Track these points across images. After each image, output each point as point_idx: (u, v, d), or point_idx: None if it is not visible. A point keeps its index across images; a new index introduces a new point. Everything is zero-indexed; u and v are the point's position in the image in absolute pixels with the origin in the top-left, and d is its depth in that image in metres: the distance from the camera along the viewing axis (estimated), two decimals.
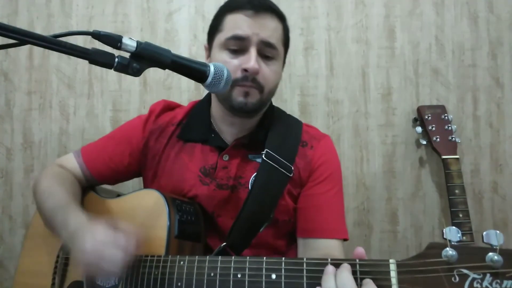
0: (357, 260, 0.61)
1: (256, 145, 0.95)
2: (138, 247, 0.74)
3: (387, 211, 1.39)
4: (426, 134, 1.32)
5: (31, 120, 1.44)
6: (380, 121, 1.41)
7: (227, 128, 0.97)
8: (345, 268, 0.60)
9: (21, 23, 1.44)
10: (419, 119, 1.36)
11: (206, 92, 1.06)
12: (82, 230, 0.75)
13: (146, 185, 1.02)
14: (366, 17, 1.42)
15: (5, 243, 1.41)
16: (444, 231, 0.57)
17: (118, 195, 0.98)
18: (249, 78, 0.86)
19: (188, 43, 1.43)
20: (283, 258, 0.67)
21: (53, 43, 0.63)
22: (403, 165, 1.40)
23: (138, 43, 0.68)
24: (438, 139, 1.29)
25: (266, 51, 0.89)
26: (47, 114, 1.44)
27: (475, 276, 0.54)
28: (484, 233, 0.56)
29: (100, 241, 0.71)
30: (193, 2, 1.44)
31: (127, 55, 0.69)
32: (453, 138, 1.29)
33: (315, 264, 0.64)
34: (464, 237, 1.17)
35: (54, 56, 1.44)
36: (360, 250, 0.63)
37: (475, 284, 0.54)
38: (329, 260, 0.63)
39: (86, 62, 0.66)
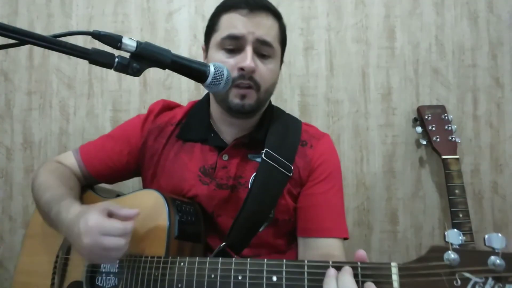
0: (359, 263, 0.61)
1: (255, 145, 0.95)
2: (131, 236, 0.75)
3: (387, 211, 1.39)
4: (426, 134, 1.32)
5: (31, 120, 1.44)
6: (380, 121, 1.41)
7: (227, 128, 0.97)
8: (347, 271, 0.60)
9: (21, 23, 1.44)
10: (419, 119, 1.36)
11: (206, 92, 1.06)
12: (77, 220, 0.75)
13: (145, 185, 1.02)
14: (366, 17, 1.42)
15: (5, 243, 1.41)
16: (445, 234, 0.57)
17: (118, 195, 0.99)
18: (246, 77, 0.86)
19: (188, 43, 1.43)
20: (284, 260, 0.66)
21: (53, 43, 0.63)
22: (403, 165, 1.40)
23: (138, 43, 0.68)
24: (438, 139, 1.29)
25: (262, 50, 0.88)
26: (47, 114, 1.44)
27: (477, 279, 0.54)
28: (486, 236, 0.55)
29: (97, 232, 0.71)
30: (193, 2, 1.44)
31: (127, 55, 0.69)
32: (453, 138, 1.29)
33: (316, 266, 0.64)
34: (464, 237, 1.17)
35: (54, 56, 1.44)
36: (361, 253, 0.63)
37: None
38: (331, 262, 0.63)
39: (86, 62, 0.66)
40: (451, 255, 0.55)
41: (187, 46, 1.43)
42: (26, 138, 1.44)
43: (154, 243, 0.80)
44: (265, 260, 0.68)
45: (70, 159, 1.01)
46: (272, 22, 0.91)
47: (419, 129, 1.34)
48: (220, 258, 0.72)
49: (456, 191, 1.22)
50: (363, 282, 0.60)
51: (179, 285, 0.73)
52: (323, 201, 0.93)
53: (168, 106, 1.05)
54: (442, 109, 1.34)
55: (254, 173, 0.92)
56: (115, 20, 1.44)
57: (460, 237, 0.57)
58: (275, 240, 0.95)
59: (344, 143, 1.40)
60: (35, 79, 1.44)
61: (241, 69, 0.85)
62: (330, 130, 1.40)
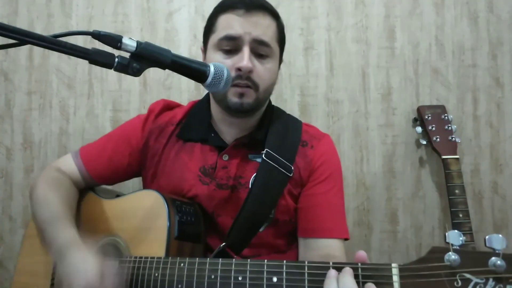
0: (359, 264, 0.61)
1: (256, 145, 0.95)
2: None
3: (387, 211, 1.39)
4: (426, 134, 1.32)
5: (31, 120, 1.44)
6: (380, 121, 1.41)
7: (227, 128, 0.97)
8: (347, 272, 0.60)
9: (21, 23, 1.44)
10: (419, 119, 1.36)
11: (206, 92, 1.06)
12: (71, 255, 0.73)
13: (145, 185, 1.02)
14: (366, 17, 1.42)
15: (5, 243, 1.41)
16: (446, 235, 0.57)
17: (118, 196, 0.98)
18: (243, 77, 0.86)
19: (188, 43, 1.43)
20: (285, 261, 0.66)
21: (53, 43, 0.63)
22: (403, 165, 1.40)
23: (138, 43, 0.68)
24: (438, 139, 1.29)
25: (259, 50, 0.88)
26: (47, 114, 1.44)
27: (478, 280, 0.54)
28: (487, 237, 0.55)
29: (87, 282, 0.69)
30: (193, 2, 1.44)
31: (127, 55, 0.69)
32: (453, 138, 1.29)
33: (316, 267, 0.64)
34: (464, 237, 1.17)
35: (54, 56, 1.44)
36: (361, 254, 0.63)
37: None
38: (331, 263, 0.63)
39: (86, 62, 0.66)
40: (452, 256, 0.55)
41: (187, 46, 1.43)
42: (26, 138, 1.44)
43: (154, 244, 0.80)
44: (265, 260, 0.68)
45: (70, 165, 0.99)
46: (269, 21, 0.90)
47: (419, 129, 1.34)
48: (220, 259, 0.72)
49: (456, 191, 1.22)
50: (363, 283, 0.60)
51: (179, 286, 0.73)
52: (323, 202, 0.93)
53: (168, 106, 1.05)
54: (442, 109, 1.34)
55: (255, 173, 0.92)
56: (115, 20, 1.44)
57: (461, 238, 0.57)
58: (275, 240, 0.95)
59: (344, 143, 1.40)
60: (35, 79, 1.44)
61: (238, 69, 0.85)
62: (330, 130, 1.40)
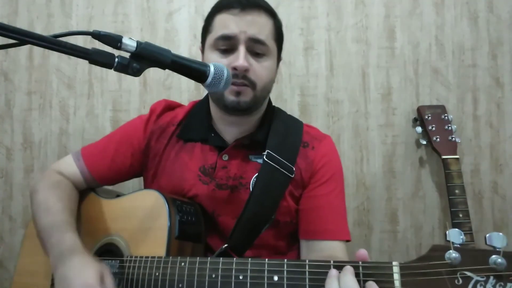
0: (360, 262, 0.61)
1: (256, 146, 0.95)
2: None
3: (387, 211, 1.39)
4: (426, 134, 1.32)
5: (31, 120, 1.44)
6: (380, 121, 1.41)
7: (227, 128, 0.97)
8: (348, 271, 0.60)
9: (21, 23, 1.44)
10: (419, 119, 1.36)
11: (206, 92, 1.06)
12: (72, 262, 0.73)
13: (146, 185, 1.02)
14: (366, 17, 1.42)
15: (5, 243, 1.41)
16: (447, 233, 0.57)
17: (118, 196, 0.98)
18: (240, 76, 0.86)
19: (188, 43, 1.43)
20: (285, 260, 0.66)
21: (53, 43, 0.63)
22: (403, 165, 1.40)
23: (138, 43, 0.68)
24: (438, 139, 1.29)
25: (256, 48, 0.88)
26: (47, 114, 1.44)
27: (479, 278, 0.54)
28: (487, 235, 0.55)
29: None
30: (193, 2, 1.44)
31: (127, 55, 0.68)
32: (453, 138, 1.29)
33: (317, 266, 0.64)
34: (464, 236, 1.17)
35: (54, 56, 1.44)
36: (362, 252, 0.63)
37: (478, 287, 0.54)
38: (332, 262, 0.63)
39: (86, 62, 0.65)
40: (453, 254, 0.55)
41: (187, 46, 1.43)
42: (26, 138, 1.44)
43: (155, 243, 0.80)
44: (266, 259, 0.68)
45: (72, 167, 0.99)
46: (265, 20, 0.90)
47: (419, 129, 1.34)
48: (221, 258, 0.72)
49: (456, 191, 1.22)
50: (364, 281, 0.60)
51: (180, 285, 0.73)
52: (325, 203, 0.93)
53: (169, 106, 1.05)
54: (442, 109, 1.34)
55: (256, 174, 0.92)
56: (115, 20, 1.44)
57: (461, 236, 0.57)
58: (276, 242, 0.95)
59: (344, 143, 1.40)
60: (35, 79, 1.44)
61: (234, 68, 0.85)
62: (330, 130, 1.40)
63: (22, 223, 1.41)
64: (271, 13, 0.93)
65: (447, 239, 0.57)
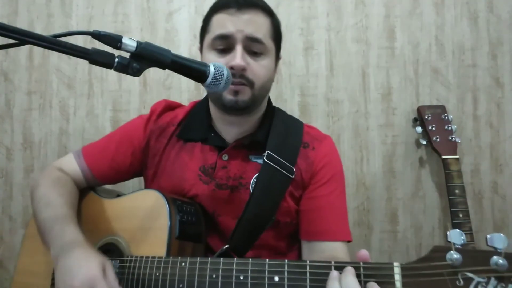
0: (361, 263, 0.61)
1: (256, 146, 0.95)
2: None
3: (387, 211, 1.39)
4: (426, 134, 1.32)
5: (31, 120, 1.44)
6: (380, 121, 1.41)
7: (227, 128, 0.97)
8: (349, 272, 0.60)
9: (21, 23, 1.44)
10: (419, 119, 1.36)
11: (206, 92, 1.06)
12: (74, 254, 0.73)
13: (146, 185, 1.02)
14: (366, 17, 1.42)
15: (5, 243, 1.41)
16: (448, 234, 0.57)
17: (118, 195, 0.98)
18: (237, 75, 0.86)
19: (188, 43, 1.43)
20: (286, 261, 0.66)
21: (53, 43, 0.63)
22: (403, 165, 1.40)
23: (138, 43, 0.68)
24: (438, 139, 1.29)
25: (253, 47, 0.88)
26: (47, 114, 1.44)
27: (480, 279, 0.54)
28: (488, 236, 0.55)
29: (87, 284, 0.68)
30: (193, 2, 1.44)
31: (127, 55, 0.68)
32: (453, 138, 1.29)
33: (318, 266, 0.64)
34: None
35: (54, 56, 1.44)
36: (364, 253, 0.63)
37: None
38: (333, 262, 0.63)
39: (86, 62, 0.65)
40: (454, 255, 0.55)
41: (187, 46, 1.43)
42: (26, 138, 1.44)
43: (155, 243, 0.80)
44: (267, 260, 0.67)
45: (72, 165, 0.99)
46: (262, 18, 0.90)
47: (419, 129, 1.34)
48: (222, 258, 0.72)
49: (456, 191, 1.22)
50: (365, 282, 0.59)
51: (180, 285, 0.73)
52: (326, 204, 0.93)
53: (170, 106, 1.05)
54: (442, 109, 1.34)
55: (256, 175, 0.92)
56: (115, 20, 1.44)
57: (462, 237, 0.57)
58: (276, 242, 0.95)
59: (344, 143, 1.40)
60: (35, 79, 1.44)
61: (231, 68, 0.85)
62: (330, 130, 1.40)
63: (22, 223, 1.41)
64: (269, 12, 0.93)
65: (448, 240, 0.57)
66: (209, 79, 0.75)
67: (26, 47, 1.42)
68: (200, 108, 1.01)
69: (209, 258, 0.73)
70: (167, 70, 0.73)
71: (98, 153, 1.00)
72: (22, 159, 1.43)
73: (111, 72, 0.80)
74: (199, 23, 1.45)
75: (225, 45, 0.88)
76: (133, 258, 0.80)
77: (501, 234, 0.54)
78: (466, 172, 1.37)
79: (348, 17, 1.42)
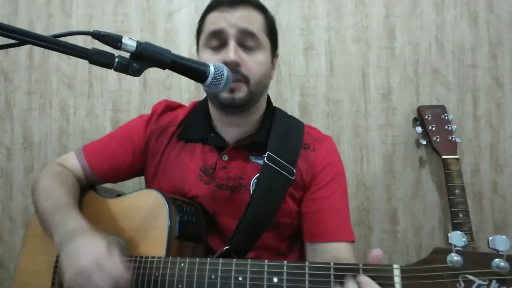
0: (361, 265, 0.61)
1: (257, 147, 0.94)
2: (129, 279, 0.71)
3: (387, 211, 1.39)
4: (426, 134, 1.32)
5: (31, 120, 1.44)
6: (380, 121, 1.41)
7: (226, 128, 0.97)
8: (350, 280, 0.61)
9: (21, 23, 1.44)
10: (419, 119, 1.36)
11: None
12: (79, 238, 0.73)
13: (146, 185, 1.02)
14: (366, 17, 1.42)
15: (5, 243, 1.41)
16: (449, 236, 0.56)
17: (118, 195, 0.98)
18: (231, 71, 0.84)
19: (188, 43, 1.43)
20: (285, 262, 0.66)
21: (53, 43, 0.63)
22: (403, 165, 1.40)
23: (138, 43, 0.68)
24: (438, 139, 1.29)
25: (246, 41, 0.88)
26: (47, 114, 1.44)
27: (481, 282, 0.53)
28: (490, 238, 0.54)
29: (94, 262, 0.68)
30: (193, 2, 1.44)
31: (127, 55, 0.68)
32: (453, 138, 1.29)
33: (317, 268, 0.64)
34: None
35: (54, 56, 1.44)
36: (376, 253, 0.63)
37: None
38: (332, 264, 0.63)
39: (86, 62, 0.65)
40: (454, 257, 0.55)
41: (187, 46, 1.43)
42: (26, 138, 1.44)
43: (155, 243, 0.80)
44: (266, 261, 0.67)
45: (73, 161, 0.99)
46: (255, 14, 0.91)
47: (419, 129, 1.34)
48: (221, 259, 0.72)
49: (456, 191, 1.22)
50: None
51: (179, 286, 0.73)
52: (328, 205, 0.93)
53: (170, 107, 1.05)
54: (442, 109, 1.34)
55: (256, 176, 0.91)
56: (115, 20, 1.44)
57: (463, 239, 0.56)
58: (276, 243, 0.95)
59: (344, 143, 1.40)
60: (35, 79, 1.44)
61: (225, 63, 0.84)
62: (330, 130, 1.40)
63: (22, 223, 1.41)
64: (261, 9, 0.93)
65: (449, 241, 0.56)
66: (209, 79, 0.75)
67: (26, 47, 1.42)
68: (200, 109, 1.01)
69: (208, 258, 0.73)
70: (167, 70, 0.73)
71: (99, 151, 1.01)
72: (22, 159, 1.43)
73: (111, 72, 0.80)
74: None
75: (218, 41, 0.88)
76: (132, 258, 0.80)
77: (503, 236, 0.54)
78: (466, 172, 1.37)
79: (348, 17, 1.42)
